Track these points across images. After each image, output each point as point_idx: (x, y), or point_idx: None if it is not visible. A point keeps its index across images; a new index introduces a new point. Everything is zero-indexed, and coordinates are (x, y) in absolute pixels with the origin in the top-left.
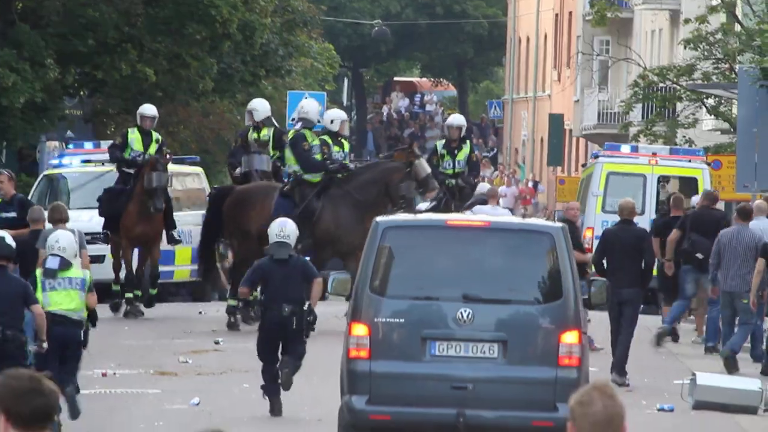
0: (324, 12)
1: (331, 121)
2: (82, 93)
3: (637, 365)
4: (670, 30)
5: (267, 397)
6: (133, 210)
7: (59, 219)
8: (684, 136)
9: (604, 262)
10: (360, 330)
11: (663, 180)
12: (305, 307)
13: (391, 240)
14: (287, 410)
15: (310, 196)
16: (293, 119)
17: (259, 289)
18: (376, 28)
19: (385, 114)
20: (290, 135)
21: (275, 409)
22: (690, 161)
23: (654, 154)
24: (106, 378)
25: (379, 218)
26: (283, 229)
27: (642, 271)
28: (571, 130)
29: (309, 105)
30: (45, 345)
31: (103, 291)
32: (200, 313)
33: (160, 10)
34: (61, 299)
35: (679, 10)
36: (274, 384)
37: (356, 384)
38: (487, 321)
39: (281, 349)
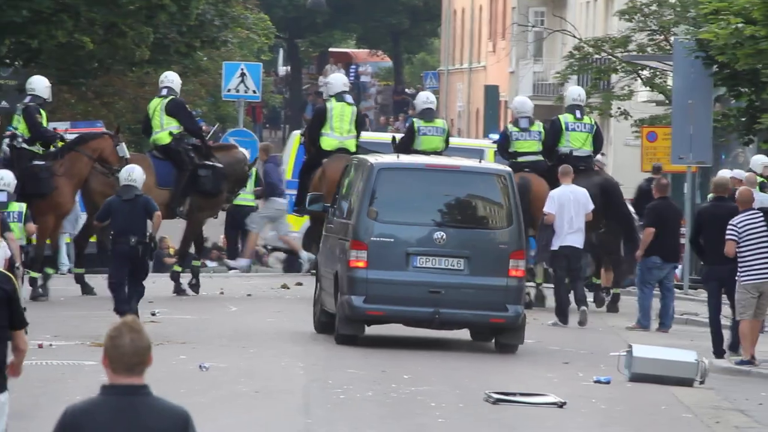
0: None
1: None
2: (16, 63)
3: (573, 338)
4: (605, 1)
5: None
6: None
7: None
8: (619, 108)
9: (701, 240)
10: (359, 246)
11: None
12: (147, 238)
13: (384, 178)
14: (224, 383)
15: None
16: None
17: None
18: None
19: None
20: None
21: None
22: None
23: None
24: (42, 349)
25: (373, 160)
26: (131, 174)
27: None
28: (506, 102)
29: (171, 76)
30: None
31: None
32: None
33: None
34: None
35: None
36: (125, 305)
37: (355, 287)
38: (456, 241)
39: (129, 275)
